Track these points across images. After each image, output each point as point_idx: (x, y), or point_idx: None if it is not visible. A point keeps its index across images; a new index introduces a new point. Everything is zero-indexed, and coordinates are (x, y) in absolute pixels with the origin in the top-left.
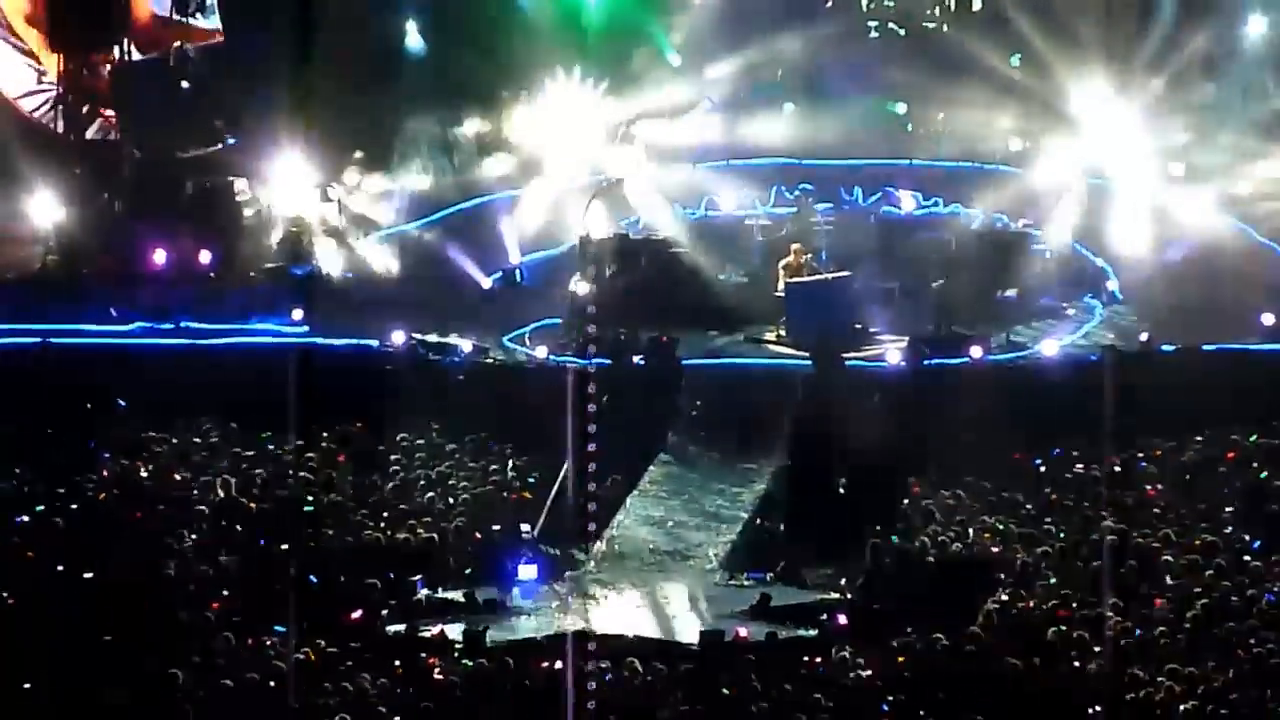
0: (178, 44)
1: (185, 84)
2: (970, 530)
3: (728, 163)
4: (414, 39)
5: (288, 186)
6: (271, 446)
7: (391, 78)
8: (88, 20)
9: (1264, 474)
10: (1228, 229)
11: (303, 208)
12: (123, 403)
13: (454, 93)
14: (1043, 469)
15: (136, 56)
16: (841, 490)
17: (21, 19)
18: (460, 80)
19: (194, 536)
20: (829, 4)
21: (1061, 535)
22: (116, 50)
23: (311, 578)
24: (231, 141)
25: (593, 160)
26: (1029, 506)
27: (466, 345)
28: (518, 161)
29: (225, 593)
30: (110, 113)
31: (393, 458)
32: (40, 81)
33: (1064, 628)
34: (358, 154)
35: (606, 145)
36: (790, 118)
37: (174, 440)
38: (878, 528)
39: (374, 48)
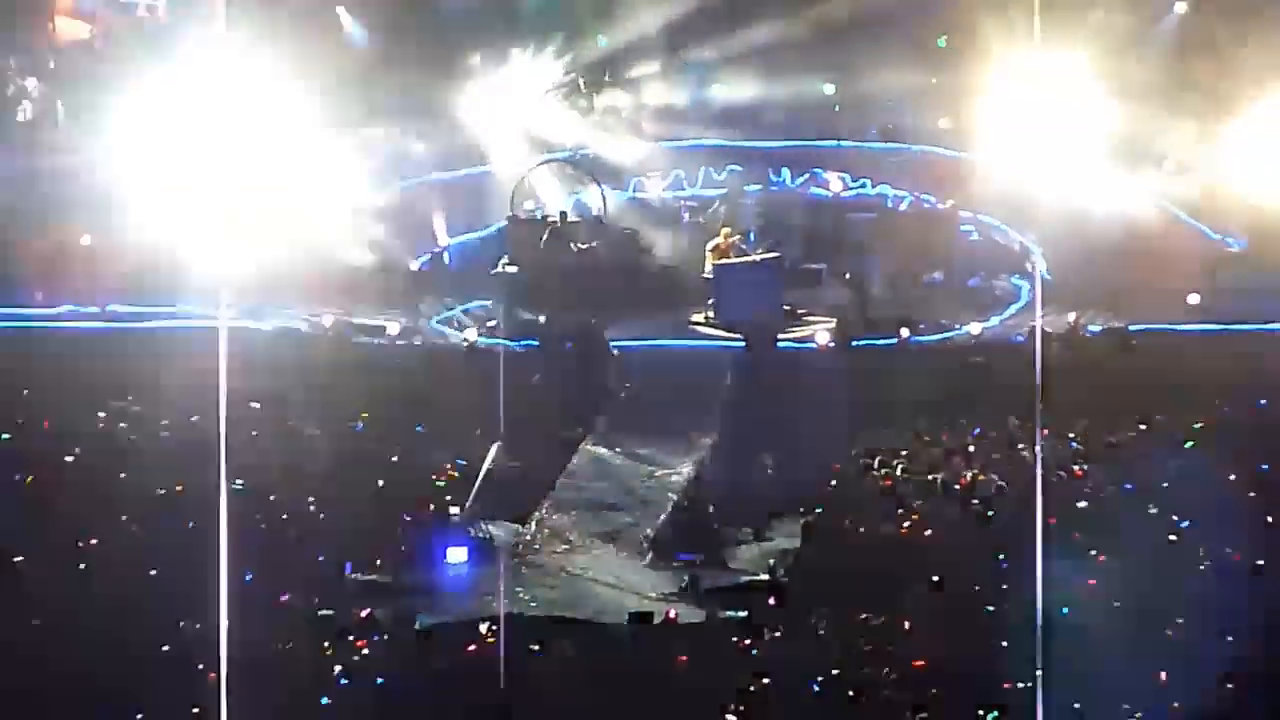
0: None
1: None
2: (899, 510)
3: (656, 142)
4: (345, 17)
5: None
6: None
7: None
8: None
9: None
10: (1156, 209)
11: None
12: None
13: (385, 70)
14: (971, 450)
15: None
16: (770, 471)
17: None
18: (392, 57)
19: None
20: None
21: (990, 515)
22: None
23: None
24: None
25: (523, 141)
26: (956, 487)
27: (394, 327)
28: (446, 142)
29: (154, 572)
30: (38, 94)
31: (321, 439)
32: None
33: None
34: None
35: (536, 124)
36: (718, 97)
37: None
38: (807, 509)
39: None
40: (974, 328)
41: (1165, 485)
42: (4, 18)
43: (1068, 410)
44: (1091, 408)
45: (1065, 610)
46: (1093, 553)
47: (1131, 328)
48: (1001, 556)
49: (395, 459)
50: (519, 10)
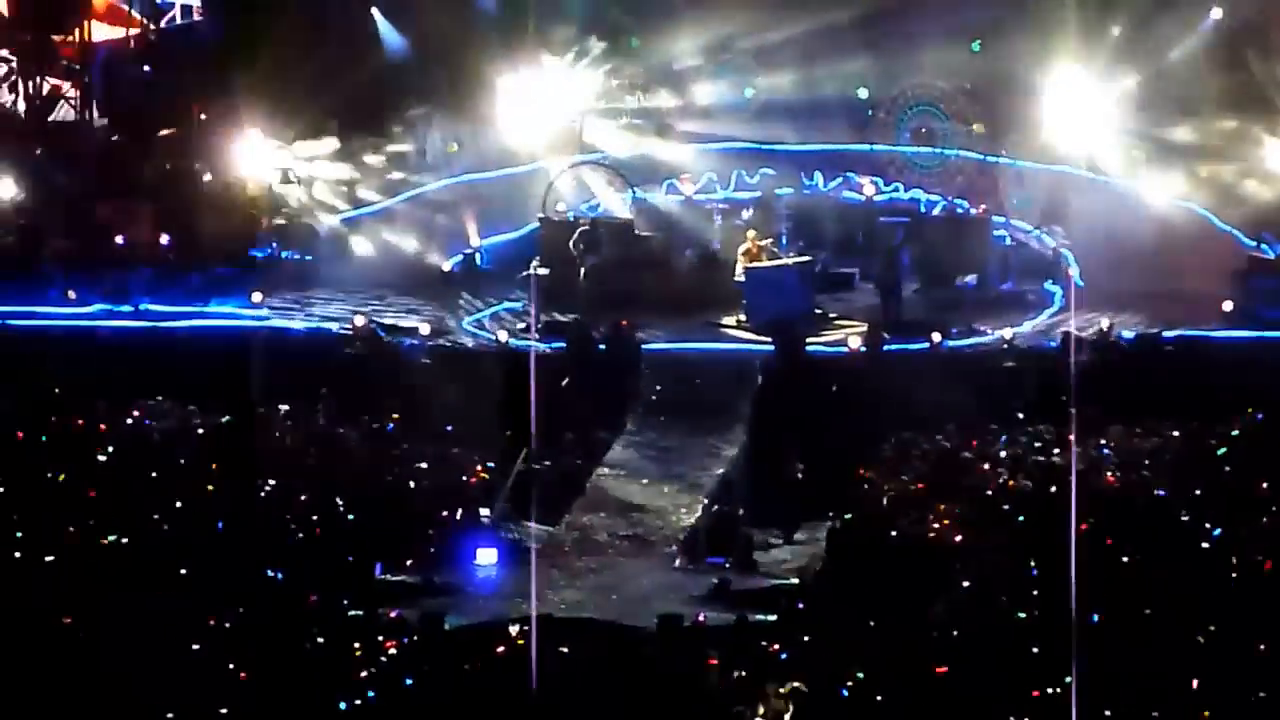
0: (143, 24)
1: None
2: (929, 515)
3: (689, 144)
4: (383, 22)
5: (249, 169)
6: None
7: (360, 59)
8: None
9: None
10: (1189, 214)
11: (264, 190)
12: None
13: (423, 74)
14: (1002, 455)
15: (100, 37)
16: (800, 475)
17: None
18: (429, 62)
19: (157, 517)
20: None
21: (1021, 520)
22: (78, 31)
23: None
24: (200, 120)
25: (555, 141)
26: (987, 493)
27: (426, 329)
28: (482, 145)
29: (184, 572)
30: (71, 94)
31: (351, 439)
32: None
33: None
34: (322, 136)
35: (574, 128)
36: (752, 100)
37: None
38: (836, 513)
39: (343, 29)
40: (1006, 333)
41: (1198, 492)
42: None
43: (1100, 416)
44: (1124, 413)
45: (1096, 617)
46: (1125, 559)
47: (1165, 334)
48: (1032, 562)
49: (426, 460)
50: (554, 10)
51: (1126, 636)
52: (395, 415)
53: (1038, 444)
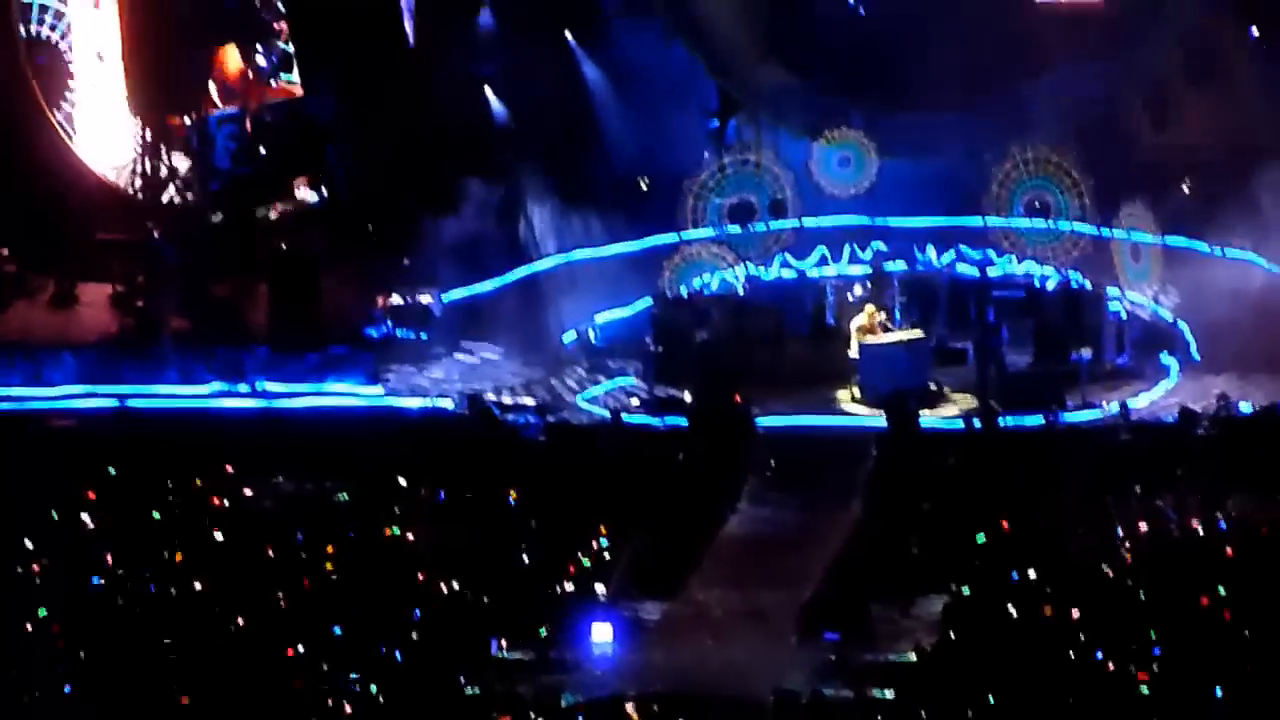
0: (257, 103)
1: (263, 147)
2: (1045, 590)
3: (800, 222)
4: (495, 102)
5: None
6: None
7: (471, 138)
8: (167, 82)
9: None
10: None
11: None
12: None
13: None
14: (1119, 530)
15: (218, 113)
16: (917, 549)
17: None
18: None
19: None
20: None
21: (1140, 596)
22: (194, 112)
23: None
24: (312, 202)
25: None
26: (1104, 568)
27: (541, 406)
28: (593, 217)
29: (302, 648)
30: (188, 174)
31: (467, 518)
32: (120, 143)
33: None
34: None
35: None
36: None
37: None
38: (953, 588)
39: (453, 108)
40: (1122, 407)
41: None
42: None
43: (1217, 491)
44: (1242, 487)
45: (1219, 691)
46: (1245, 634)
47: None
48: (1152, 637)
49: (541, 535)
50: (666, 84)
51: (1248, 711)
52: (511, 491)
53: (1155, 518)
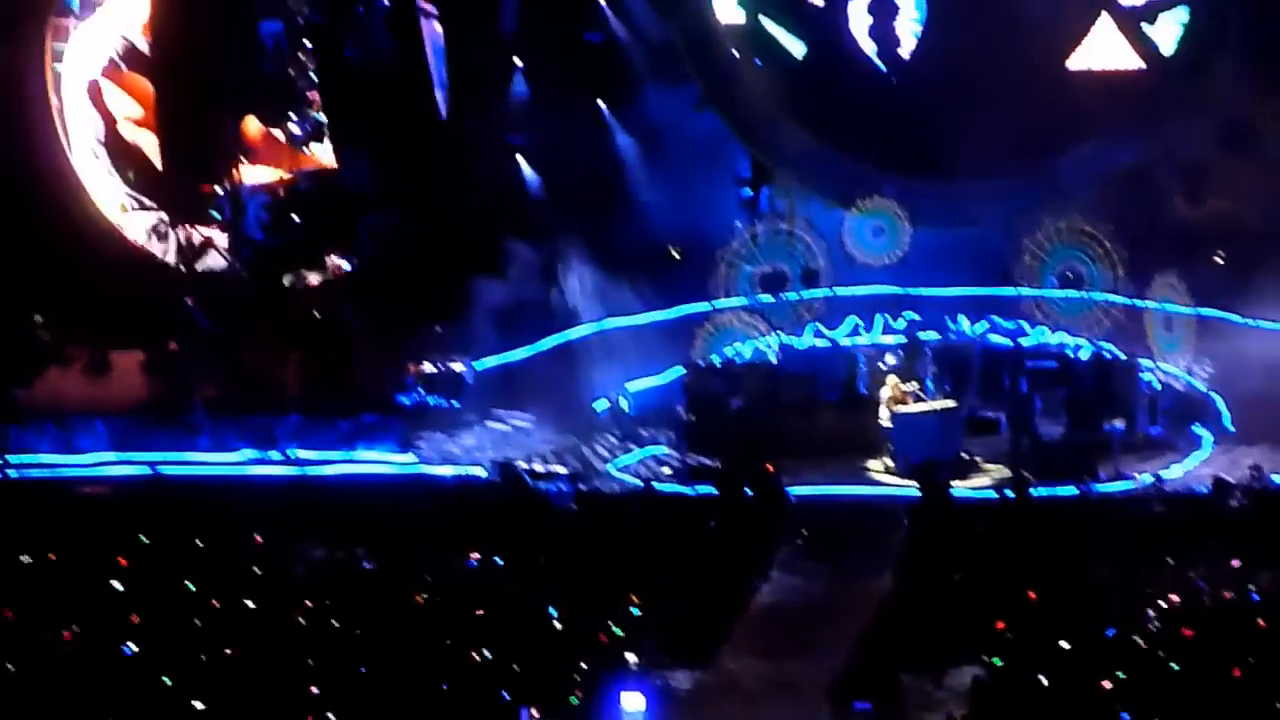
0: (289, 173)
1: (296, 216)
2: (1079, 661)
3: (832, 290)
4: (529, 171)
5: (396, 313)
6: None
7: (504, 207)
8: (198, 150)
9: None
10: None
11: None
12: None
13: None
14: (1156, 602)
15: (249, 183)
16: (949, 619)
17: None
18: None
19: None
20: None
21: (1176, 669)
22: (226, 181)
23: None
24: (345, 270)
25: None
26: (1138, 640)
27: (572, 474)
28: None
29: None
30: (221, 243)
31: (497, 586)
32: (150, 211)
33: None
34: (468, 283)
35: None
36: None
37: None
38: (985, 659)
39: (486, 178)
40: (1156, 478)
41: None
42: None
43: (1251, 563)
44: (1273, 560)
45: None
46: (1278, 707)
47: None
48: (1184, 710)
49: (573, 603)
50: (698, 153)
51: None
52: (542, 559)
53: (1188, 589)
